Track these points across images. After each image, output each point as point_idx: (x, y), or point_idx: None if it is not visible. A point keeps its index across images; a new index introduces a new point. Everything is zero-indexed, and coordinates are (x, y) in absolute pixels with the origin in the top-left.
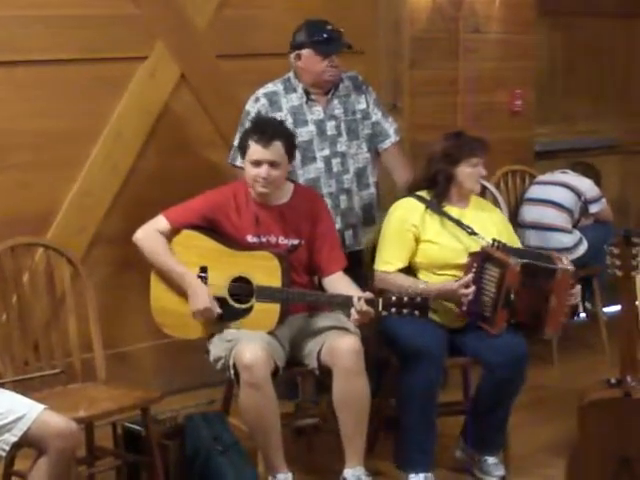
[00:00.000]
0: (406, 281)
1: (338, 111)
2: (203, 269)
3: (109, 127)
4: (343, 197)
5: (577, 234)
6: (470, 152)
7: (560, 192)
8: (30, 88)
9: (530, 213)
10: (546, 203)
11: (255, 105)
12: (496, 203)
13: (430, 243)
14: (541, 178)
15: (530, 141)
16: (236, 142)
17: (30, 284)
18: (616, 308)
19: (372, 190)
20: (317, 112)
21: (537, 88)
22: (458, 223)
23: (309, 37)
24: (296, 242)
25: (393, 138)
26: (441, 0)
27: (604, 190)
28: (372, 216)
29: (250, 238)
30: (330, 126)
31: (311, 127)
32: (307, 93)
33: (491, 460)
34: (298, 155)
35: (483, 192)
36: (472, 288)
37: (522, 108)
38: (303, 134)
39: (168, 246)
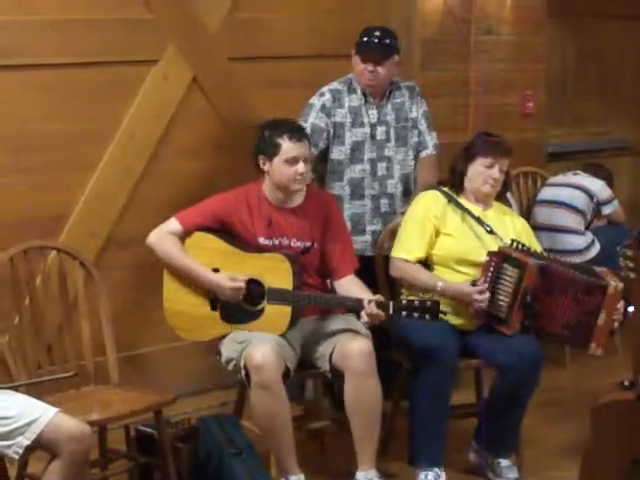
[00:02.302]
0: (424, 276)
1: (390, 117)
2: (215, 271)
3: (121, 130)
4: (385, 201)
5: (589, 236)
6: (484, 151)
7: (572, 194)
8: (42, 91)
9: (542, 215)
10: (558, 205)
11: (321, 99)
12: (508, 205)
13: (449, 236)
14: (553, 180)
15: (541, 143)
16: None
17: (43, 287)
18: (628, 310)
19: None
20: (372, 115)
21: (548, 90)
22: (478, 220)
23: (358, 39)
24: (308, 244)
25: (429, 150)
26: (452, 2)
27: (616, 192)
28: None
29: (262, 240)
30: (380, 131)
31: (366, 129)
32: (365, 95)
33: (504, 462)
34: (348, 153)
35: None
36: (486, 295)
37: (533, 110)
38: (358, 134)
39: (182, 246)
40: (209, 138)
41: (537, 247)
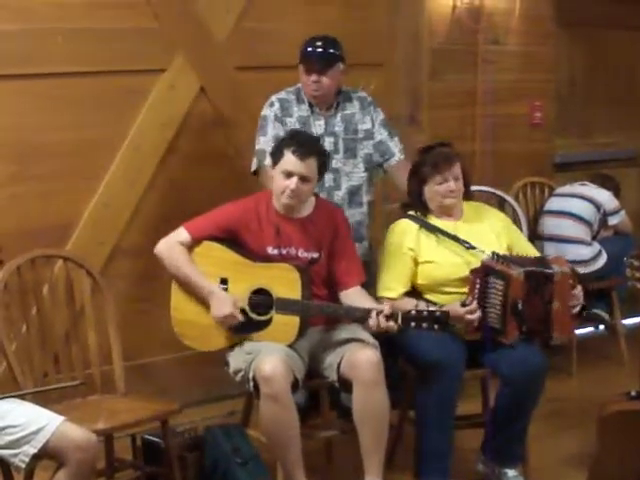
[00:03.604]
0: (412, 306)
1: (338, 128)
2: (223, 280)
3: (129, 139)
4: None
5: (596, 246)
6: (433, 170)
7: (579, 204)
8: (50, 100)
9: (549, 225)
10: (565, 215)
11: (272, 109)
12: (515, 215)
13: (429, 263)
14: (560, 190)
15: (549, 153)
16: (258, 146)
17: (50, 296)
18: (635, 320)
19: (364, 209)
20: (319, 126)
21: (556, 100)
22: (454, 238)
23: (301, 49)
24: (316, 255)
25: (397, 157)
26: (460, 12)
27: (623, 202)
28: (361, 234)
29: (270, 250)
30: (328, 142)
31: None
32: (311, 106)
33: (511, 473)
34: None
35: (502, 203)
36: (478, 313)
37: (541, 120)
38: None
39: (190, 257)
40: (216, 147)
41: (521, 241)
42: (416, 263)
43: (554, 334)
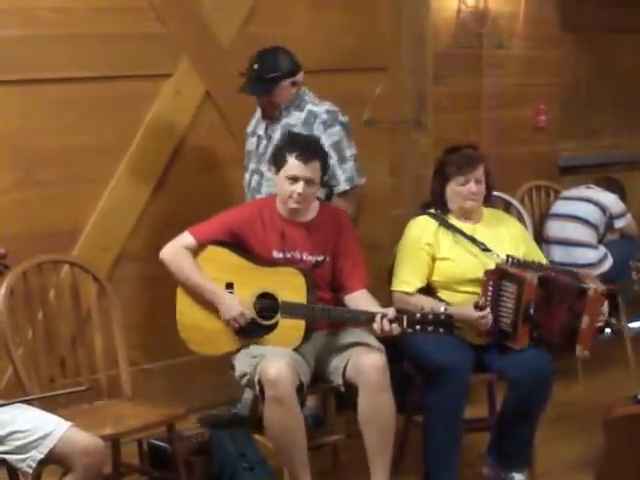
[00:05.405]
0: (426, 303)
1: (276, 135)
2: (229, 285)
3: (134, 144)
4: None
5: (602, 250)
6: (456, 170)
7: (585, 207)
8: (56, 106)
9: (555, 228)
10: (571, 218)
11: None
12: (520, 218)
13: (446, 260)
14: (566, 193)
15: (554, 156)
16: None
17: (56, 301)
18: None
19: None
20: (262, 128)
21: (561, 103)
22: (472, 240)
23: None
24: (320, 259)
25: (341, 186)
26: (465, 16)
27: (629, 205)
28: None
29: (275, 254)
30: (263, 145)
31: (254, 139)
32: (262, 109)
33: (518, 477)
34: (245, 160)
35: (508, 207)
36: (490, 319)
37: (546, 123)
38: (249, 144)
39: (194, 261)
40: (222, 152)
41: (536, 252)
42: (433, 259)
43: (578, 348)
